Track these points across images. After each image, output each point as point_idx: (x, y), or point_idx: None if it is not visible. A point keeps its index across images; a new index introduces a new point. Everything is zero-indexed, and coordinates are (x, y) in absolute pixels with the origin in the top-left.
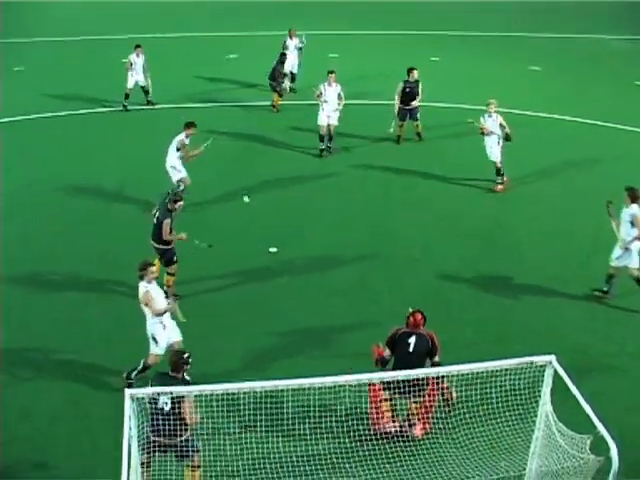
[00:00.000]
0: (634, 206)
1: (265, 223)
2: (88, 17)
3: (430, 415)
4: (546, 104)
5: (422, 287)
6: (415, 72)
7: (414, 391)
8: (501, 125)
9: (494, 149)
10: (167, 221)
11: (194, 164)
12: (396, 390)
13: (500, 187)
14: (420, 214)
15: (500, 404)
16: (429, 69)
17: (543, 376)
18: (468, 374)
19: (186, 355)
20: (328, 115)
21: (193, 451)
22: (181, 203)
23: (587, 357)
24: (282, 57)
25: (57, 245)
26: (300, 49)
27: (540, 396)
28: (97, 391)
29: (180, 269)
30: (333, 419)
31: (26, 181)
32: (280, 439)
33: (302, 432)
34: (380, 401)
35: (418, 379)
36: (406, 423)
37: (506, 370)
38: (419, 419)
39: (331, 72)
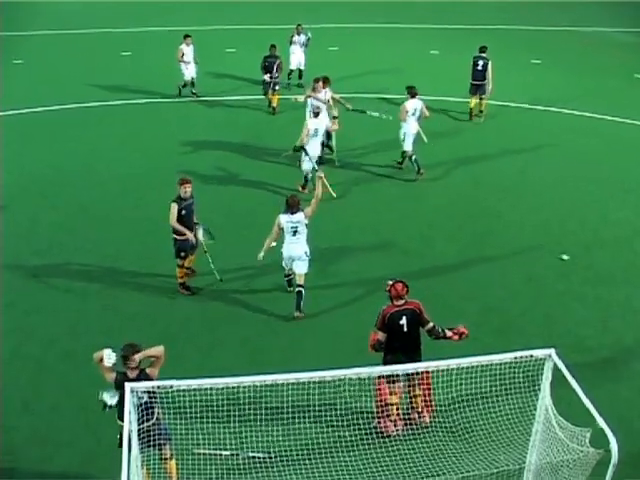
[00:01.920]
0: None
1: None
2: (88, 10)
3: (433, 397)
4: (546, 97)
5: (421, 280)
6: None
7: (416, 379)
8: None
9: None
10: (173, 204)
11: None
12: (397, 378)
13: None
14: (417, 206)
15: (499, 397)
16: (428, 62)
17: (542, 369)
18: (467, 367)
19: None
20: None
21: (165, 439)
22: (187, 186)
23: (585, 349)
24: (266, 63)
25: (57, 237)
26: (306, 45)
27: (539, 389)
28: (97, 383)
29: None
30: (333, 413)
31: (25, 173)
32: (280, 433)
33: (302, 425)
34: (386, 401)
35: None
36: (415, 414)
37: (505, 363)
38: (425, 405)
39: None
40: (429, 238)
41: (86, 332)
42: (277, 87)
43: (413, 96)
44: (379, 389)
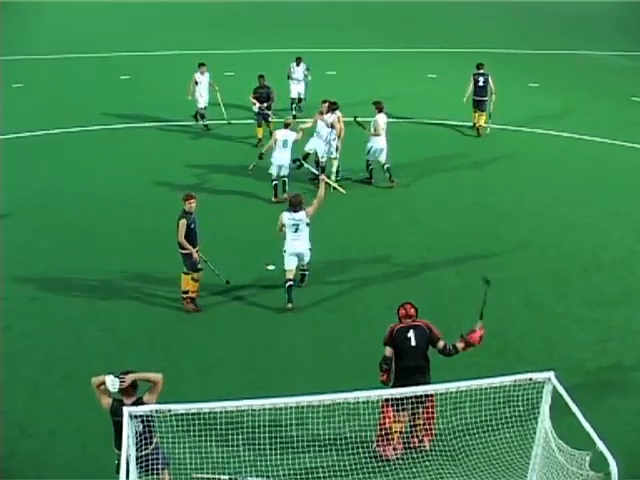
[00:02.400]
0: None
1: (264, 239)
2: (87, 35)
3: (434, 423)
4: (544, 120)
5: (420, 302)
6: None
7: (420, 407)
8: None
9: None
10: (182, 222)
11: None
12: (404, 406)
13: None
14: (415, 229)
15: (499, 421)
16: (426, 86)
17: (542, 392)
18: (467, 390)
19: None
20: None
21: (164, 464)
22: (192, 201)
23: (585, 372)
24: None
25: (56, 260)
26: (306, 76)
27: (539, 412)
28: (95, 407)
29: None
30: (332, 436)
31: (24, 196)
32: (278, 457)
33: (301, 449)
34: (390, 426)
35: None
36: (415, 439)
37: (505, 386)
38: (426, 430)
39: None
40: (427, 260)
41: (84, 355)
42: (269, 119)
43: (380, 110)
44: (384, 413)
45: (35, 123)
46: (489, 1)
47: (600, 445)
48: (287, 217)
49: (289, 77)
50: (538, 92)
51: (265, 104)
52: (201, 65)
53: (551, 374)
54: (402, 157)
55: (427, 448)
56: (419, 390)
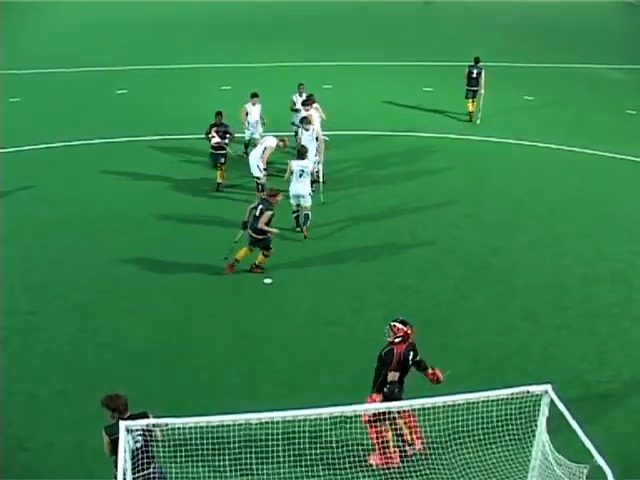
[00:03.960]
0: None
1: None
2: (85, 49)
3: (418, 424)
4: (541, 133)
5: (418, 315)
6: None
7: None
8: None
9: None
10: (269, 213)
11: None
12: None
13: None
14: (414, 241)
15: (496, 434)
16: (422, 99)
17: (539, 405)
18: (464, 404)
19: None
20: None
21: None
22: (278, 197)
23: (583, 384)
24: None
25: (53, 274)
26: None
27: (536, 425)
28: (92, 420)
29: (177, 297)
30: (327, 449)
31: (22, 210)
32: (273, 469)
33: (297, 463)
34: (383, 435)
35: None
36: (407, 446)
37: (502, 399)
38: (413, 433)
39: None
40: (425, 273)
41: (81, 369)
42: (223, 160)
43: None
44: (373, 425)
45: (30, 137)
46: (485, 15)
47: (598, 458)
48: (295, 164)
49: (294, 109)
50: (534, 105)
51: (224, 140)
52: (254, 95)
53: (548, 387)
54: (399, 169)
55: (422, 448)
56: (412, 403)
